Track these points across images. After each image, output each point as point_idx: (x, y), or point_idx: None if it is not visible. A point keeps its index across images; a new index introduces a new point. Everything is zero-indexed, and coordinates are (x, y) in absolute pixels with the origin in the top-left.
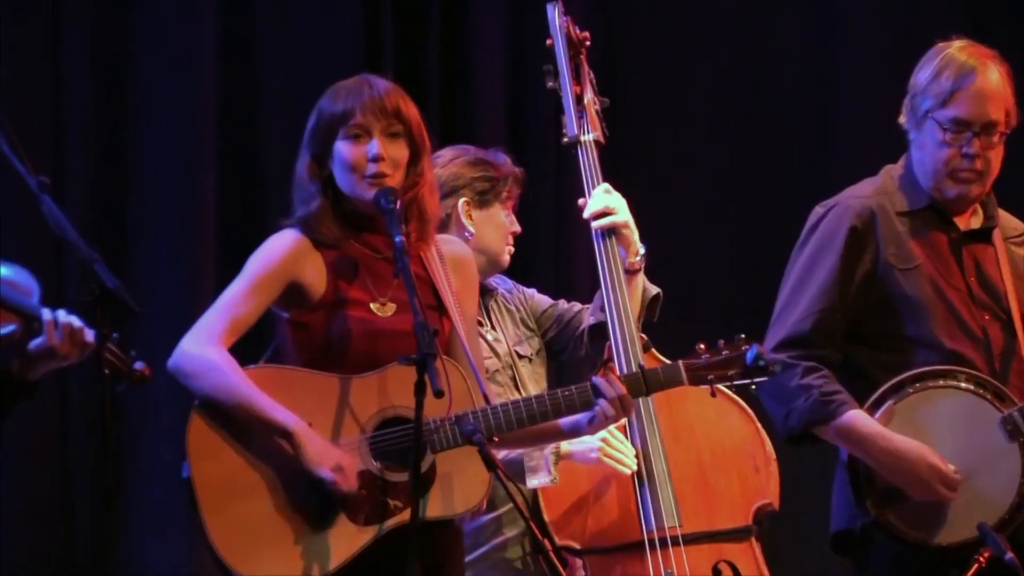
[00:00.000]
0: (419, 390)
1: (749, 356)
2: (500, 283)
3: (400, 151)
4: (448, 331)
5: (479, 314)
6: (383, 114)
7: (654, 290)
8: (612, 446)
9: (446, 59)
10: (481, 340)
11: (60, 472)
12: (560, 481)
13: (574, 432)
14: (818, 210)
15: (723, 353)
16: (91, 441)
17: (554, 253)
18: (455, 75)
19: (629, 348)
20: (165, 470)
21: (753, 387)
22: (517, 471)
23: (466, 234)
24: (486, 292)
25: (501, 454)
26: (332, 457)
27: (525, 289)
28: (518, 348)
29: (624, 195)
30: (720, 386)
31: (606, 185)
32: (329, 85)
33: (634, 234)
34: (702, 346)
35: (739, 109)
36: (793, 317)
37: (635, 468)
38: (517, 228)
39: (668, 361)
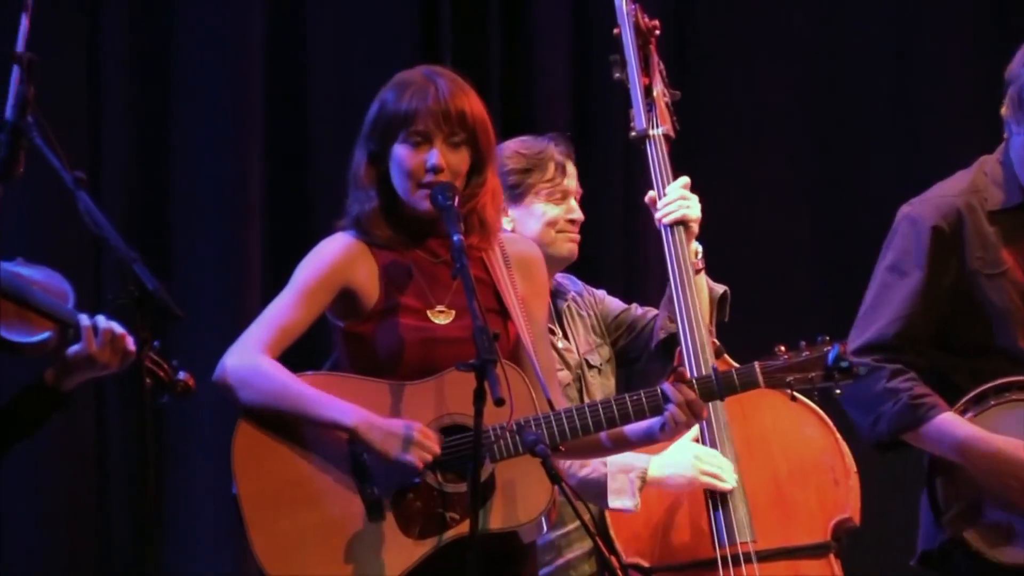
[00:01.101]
0: (479, 398)
1: (830, 357)
2: (571, 284)
3: (461, 160)
4: (512, 336)
5: (550, 320)
6: (446, 121)
7: (720, 289)
8: (707, 462)
9: (507, 49)
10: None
11: (97, 484)
12: None
13: (647, 440)
14: (904, 209)
15: (803, 354)
16: (129, 451)
17: (622, 252)
18: (516, 66)
19: (699, 352)
20: (206, 480)
21: (838, 391)
22: (599, 491)
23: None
24: (557, 295)
25: (583, 472)
26: (401, 435)
27: (595, 291)
28: (588, 357)
29: (695, 191)
30: (799, 393)
31: (686, 179)
32: (384, 76)
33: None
34: (782, 348)
35: (815, 101)
36: (877, 322)
37: (734, 484)
38: (577, 215)
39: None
